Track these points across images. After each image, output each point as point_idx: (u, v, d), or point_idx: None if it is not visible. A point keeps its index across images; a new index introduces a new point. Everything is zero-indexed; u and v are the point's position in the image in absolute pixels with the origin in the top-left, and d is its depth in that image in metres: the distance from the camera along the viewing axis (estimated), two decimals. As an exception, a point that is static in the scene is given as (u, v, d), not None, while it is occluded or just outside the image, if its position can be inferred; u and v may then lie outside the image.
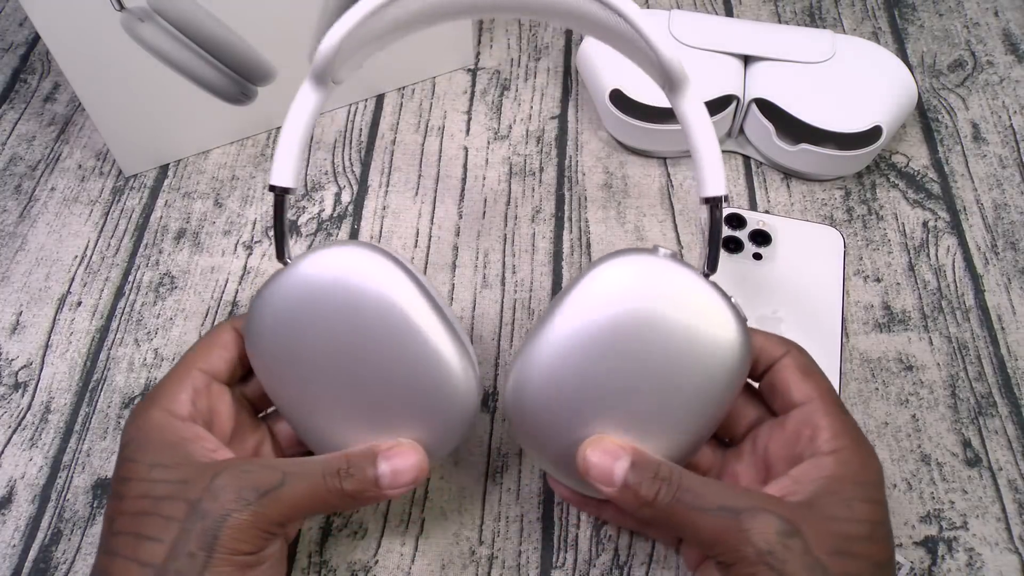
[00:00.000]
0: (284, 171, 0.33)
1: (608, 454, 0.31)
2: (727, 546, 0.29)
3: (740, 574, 0.29)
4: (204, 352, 0.35)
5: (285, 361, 0.33)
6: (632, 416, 0.32)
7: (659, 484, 0.30)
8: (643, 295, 0.31)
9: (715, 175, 0.33)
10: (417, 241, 0.50)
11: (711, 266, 0.33)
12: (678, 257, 0.32)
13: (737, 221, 0.49)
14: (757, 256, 0.48)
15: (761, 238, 0.48)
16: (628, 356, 0.31)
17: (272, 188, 0.33)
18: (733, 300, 0.32)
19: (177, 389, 0.33)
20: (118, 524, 0.31)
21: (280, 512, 0.31)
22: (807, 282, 0.47)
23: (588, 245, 0.49)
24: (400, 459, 0.32)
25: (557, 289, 0.48)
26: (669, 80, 0.33)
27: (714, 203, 0.33)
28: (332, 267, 0.32)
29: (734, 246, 0.48)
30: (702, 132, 0.33)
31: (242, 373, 0.36)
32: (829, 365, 0.44)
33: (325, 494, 0.32)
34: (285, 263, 0.34)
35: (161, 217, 0.51)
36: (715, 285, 0.32)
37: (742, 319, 0.32)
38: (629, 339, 0.31)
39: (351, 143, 0.54)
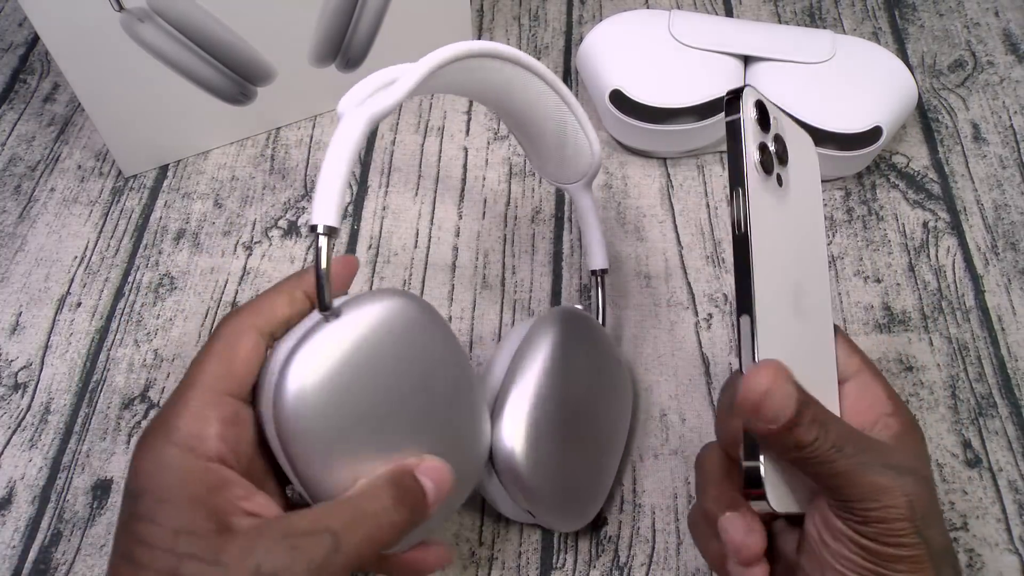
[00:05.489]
0: (330, 208, 0.28)
1: (775, 373, 0.27)
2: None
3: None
4: (227, 366, 0.29)
5: (325, 419, 0.29)
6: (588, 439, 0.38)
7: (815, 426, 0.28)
8: (576, 346, 0.38)
9: (600, 252, 0.43)
10: (417, 241, 0.50)
11: (603, 321, 0.44)
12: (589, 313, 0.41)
13: (761, 115, 0.30)
14: (780, 180, 0.31)
15: (782, 152, 0.31)
16: (581, 389, 0.38)
17: (313, 228, 0.28)
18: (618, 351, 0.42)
19: (201, 420, 0.28)
20: None
21: None
22: (808, 225, 0.33)
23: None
24: (435, 473, 0.30)
25: (557, 289, 0.48)
26: (592, 175, 0.41)
27: (599, 274, 0.43)
28: (382, 320, 0.30)
29: (767, 164, 0.30)
30: (594, 218, 0.43)
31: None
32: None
33: (386, 534, 0.28)
34: (327, 316, 0.29)
35: (161, 218, 0.51)
36: (607, 336, 0.41)
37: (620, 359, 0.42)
38: (580, 381, 0.38)
39: (351, 143, 0.54)
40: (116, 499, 0.41)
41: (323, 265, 0.28)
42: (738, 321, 0.29)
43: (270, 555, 0.25)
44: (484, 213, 0.51)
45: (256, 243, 0.50)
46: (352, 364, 0.29)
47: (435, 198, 0.51)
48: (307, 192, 0.52)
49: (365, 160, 0.53)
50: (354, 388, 0.29)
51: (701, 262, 0.48)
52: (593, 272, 0.44)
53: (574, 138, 0.39)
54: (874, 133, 0.49)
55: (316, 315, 0.30)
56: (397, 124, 0.55)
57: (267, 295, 0.31)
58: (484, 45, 0.32)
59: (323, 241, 0.28)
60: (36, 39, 0.60)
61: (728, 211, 0.32)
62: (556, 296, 0.47)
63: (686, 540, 0.40)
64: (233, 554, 0.25)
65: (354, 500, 0.28)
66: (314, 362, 0.28)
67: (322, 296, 0.29)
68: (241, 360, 0.29)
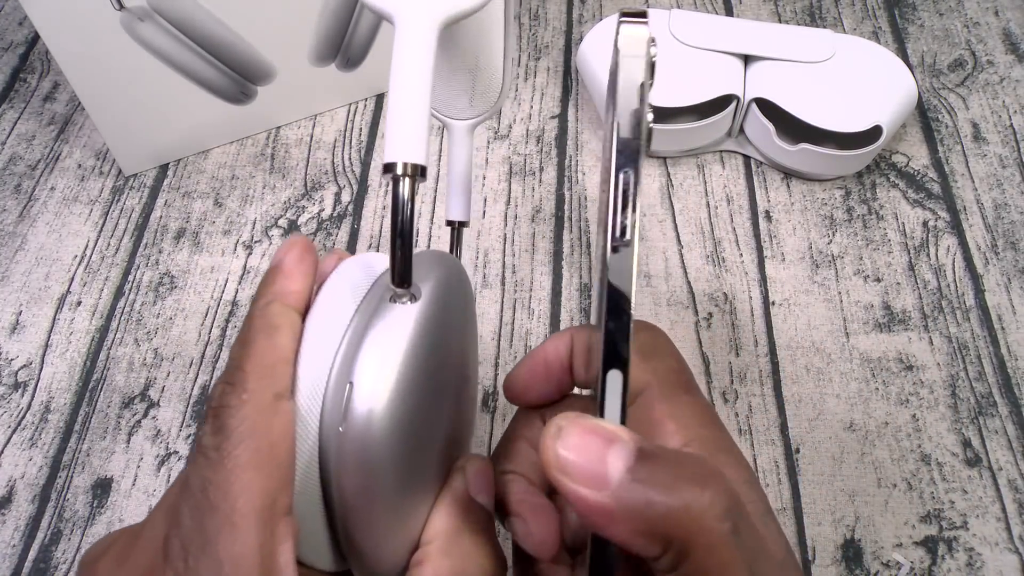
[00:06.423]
0: (412, 138, 0.21)
1: (595, 435, 0.19)
2: None
3: None
4: (272, 469, 0.21)
5: (397, 438, 0.22)
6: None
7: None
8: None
9: (464, 202, 0.34)
10: (417, 241, 0.50)
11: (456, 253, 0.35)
12: None
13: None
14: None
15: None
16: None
17: (390, 168, 0.21)
18: None
19: (275, 568, 0.20)
20: None
21: None
22: None
23: (588, 245, 0.49)
24: (485, 482, 0.26)
25: (557, 289, 0.48)
26: (494, 113, 0.34)
27: (457, 225, 0.34)
28: (450, 293, 0.25)
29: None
30: (470, 165, 0.34)
31: None
32: None
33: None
34: (401, 296, 0.22)
35: (161, 217, 0.51)
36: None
37: None
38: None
39: (351, 142, 0.54)
40: (116, 498, 0.41)
41: (407, 221, 0.20)
42: (603, 376, 0.20)
43: None
44: (484, 212, 0.51)
45: (256, 242, 0.50)
46: (426, 353, 0.22)
47: (435, 197, 0.51)
48: (307, 191, 0.52)
49: (365, 160, 0.53)
50: (420, 384, 0.22)
51: (701, 261, 0.48)
52: (450, 223, 0.34)
53: (502, 70, 0.34)
54: (874, 132, 0.49)
55: (367, 296, 0.23)
56: (397, 123, 0.55)
57: (263, 342, 0.22)
58: None
59: (406, 185, 0.20)
60: (36, 38, 0.60)
61: (604, 203, 0.23)
62: (556, 295, 0.48)
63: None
64: None
65: (456, 571, 0.23)
66: (390, 360, 0.22)
67: (402, 268, 0.21)
68: (287, 447, 0.21)
